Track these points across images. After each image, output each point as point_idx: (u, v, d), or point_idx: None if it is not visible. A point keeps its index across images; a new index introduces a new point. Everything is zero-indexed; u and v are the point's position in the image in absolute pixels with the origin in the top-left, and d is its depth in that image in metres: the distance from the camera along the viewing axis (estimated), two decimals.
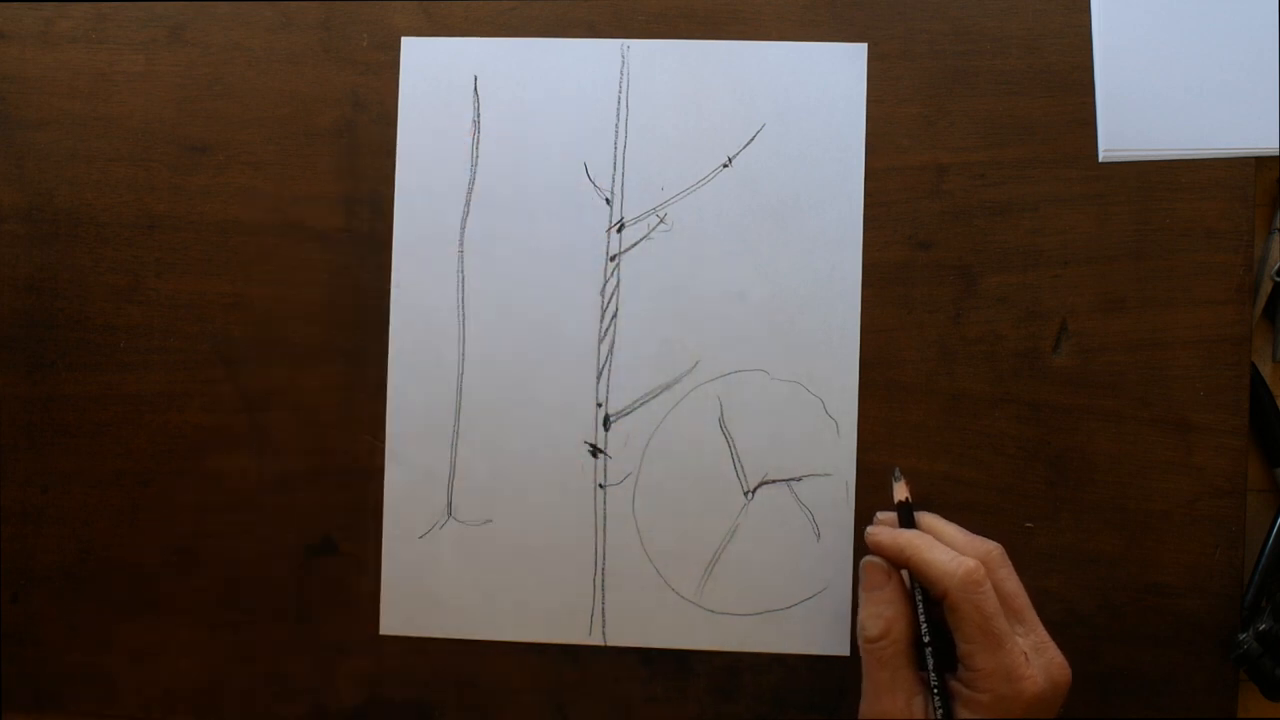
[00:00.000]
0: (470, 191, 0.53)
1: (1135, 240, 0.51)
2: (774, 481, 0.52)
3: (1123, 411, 0.51)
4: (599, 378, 0.52)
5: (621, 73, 0.53)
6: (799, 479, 0.51)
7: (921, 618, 0.44)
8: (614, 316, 0.52)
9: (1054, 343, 0.51)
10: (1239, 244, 0.51)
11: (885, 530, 0.46)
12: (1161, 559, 0.51)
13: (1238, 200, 0.51)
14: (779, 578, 0.51)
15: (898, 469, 0.48)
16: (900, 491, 0.47)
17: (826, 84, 0.52)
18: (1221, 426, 0.51)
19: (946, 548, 0.44)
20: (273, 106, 0.53)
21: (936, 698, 0.43)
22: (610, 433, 0.52)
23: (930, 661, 0.43)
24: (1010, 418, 0.51)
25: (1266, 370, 0.52)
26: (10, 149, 0.54)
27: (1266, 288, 0.51)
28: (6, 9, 0.54)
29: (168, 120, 0.54)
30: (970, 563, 0.42)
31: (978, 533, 0.45)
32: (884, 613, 0.44)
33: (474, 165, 0.53)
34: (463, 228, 0.53)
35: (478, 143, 0.53)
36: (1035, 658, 0.42)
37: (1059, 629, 0.51)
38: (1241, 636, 0.49)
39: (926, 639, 0.44)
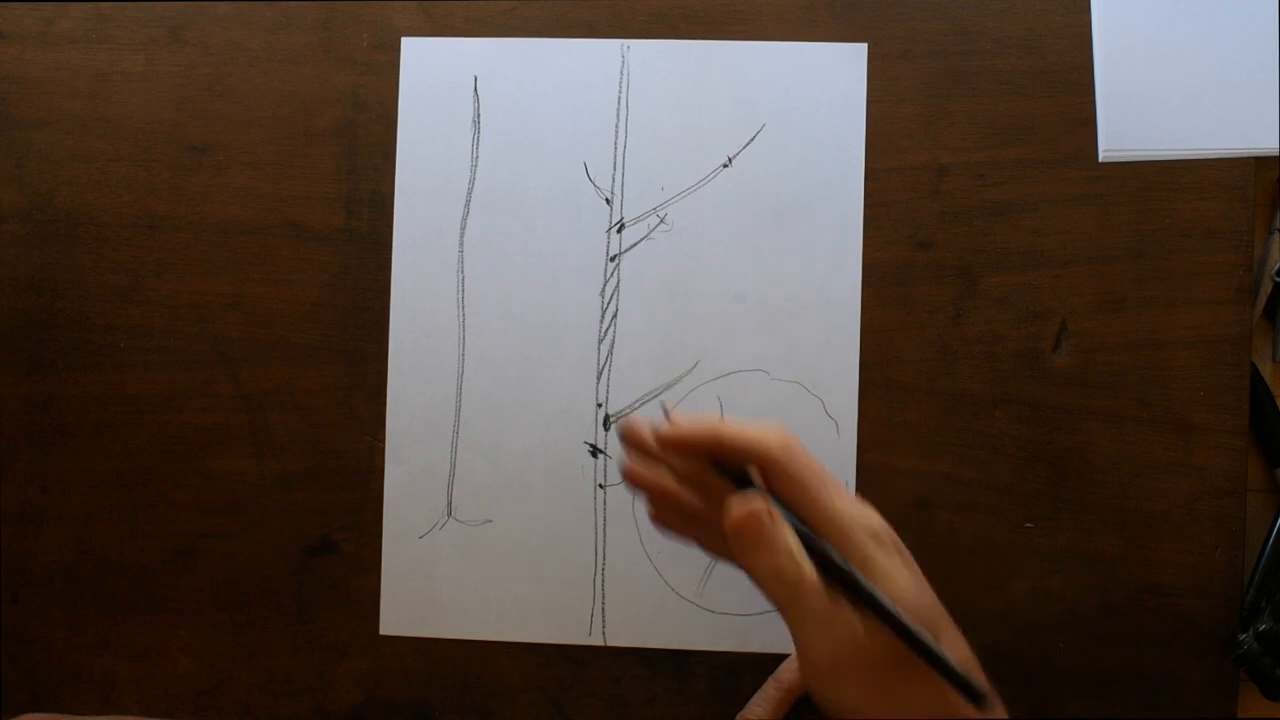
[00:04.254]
0: (470, 191, 0.53)
1: (1135, 240, 0.51)
2: None
3: (1123, 411, 0.51)
4: (599, 378, 0.52)
5: (621, 73, 0.53)
6: None
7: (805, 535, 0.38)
8: (614, 316, 0.52)
9: (1054, 343, 0.51)
10: (1239, 244, 0.51)
11: (683, 418, 0.41)
12: (1161, 559, 0.51)
13: (1238, 200, 0.51)
14: None
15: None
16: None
17: (826, 84, 0.52)
18: (1221, 426, 0.51)
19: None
20: (273, 106, 0.53)
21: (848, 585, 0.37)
22: (610, 433, 0.52)
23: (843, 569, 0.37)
24: (1010, 418, 0.51)
25: (1266, 370, 0.52)
26: (10, 149, 0.54)
27: (1266, 288, 0.51)
28: (6, 9, 0.54)
29: (168, 120, 0.54)
30: (768, 422, 0.40)
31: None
32: (792, 546, 0.38)
33: (474, 165, 0.53)
34: (463, 228, 0.53)
35: (478, 143, 0.53)
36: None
37: (1059, 629, 0.51)
38: (1241, 636, 0.49)
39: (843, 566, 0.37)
